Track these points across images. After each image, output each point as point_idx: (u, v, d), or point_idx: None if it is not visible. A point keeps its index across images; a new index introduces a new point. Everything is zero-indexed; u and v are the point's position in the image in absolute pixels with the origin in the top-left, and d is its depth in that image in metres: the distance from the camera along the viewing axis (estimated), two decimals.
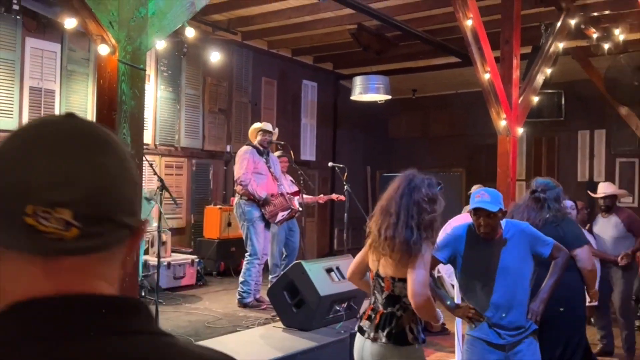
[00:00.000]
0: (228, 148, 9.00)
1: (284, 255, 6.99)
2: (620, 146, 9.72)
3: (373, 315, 2.61)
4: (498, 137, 5.70)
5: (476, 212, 3.03)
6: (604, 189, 5.71)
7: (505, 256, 3.01)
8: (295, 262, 4.51)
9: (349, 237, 6.89)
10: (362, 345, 2.62)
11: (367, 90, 8.23)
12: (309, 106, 10.75)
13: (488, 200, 3.02)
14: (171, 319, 5.31)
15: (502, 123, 5.39)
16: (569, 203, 4.36)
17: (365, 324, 2.63)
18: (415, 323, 2.56)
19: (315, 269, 4.41)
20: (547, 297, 3.14)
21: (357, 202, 6.41)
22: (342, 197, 6.92)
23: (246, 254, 5.94)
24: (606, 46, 7.72)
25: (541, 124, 10.10)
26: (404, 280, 2.49)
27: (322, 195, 7.24)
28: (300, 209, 6.79)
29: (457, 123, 11.43)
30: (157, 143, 7.93)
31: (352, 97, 8.59)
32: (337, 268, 4.65)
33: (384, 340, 2.52)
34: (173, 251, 7.33)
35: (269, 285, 6.99)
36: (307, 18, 8.10)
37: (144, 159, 3.84)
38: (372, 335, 2.56)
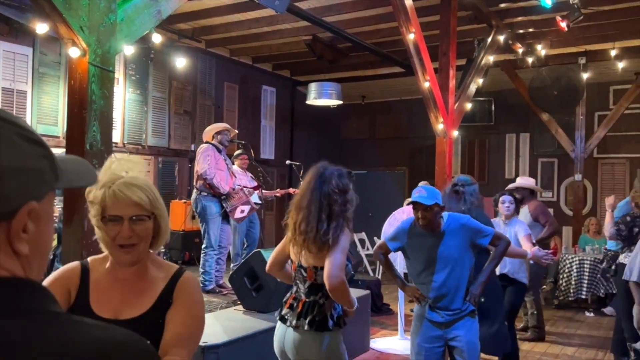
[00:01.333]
0: (192, 147, 8.87)
1: (245, 245, 6.96)
2: (542, 148, 10.08)
3: (295, 304, 2.49)
4: (436, 138, 5.83)
5: (414, 205, 3.12)
6: (518, 181, 5.87)
7: (445, 247, 3.07)
8: (255, 250, 4.49)
9: None
10: (284, 333, 2.49)
11: (321, 96, 8.25)
12: (268, 109, 10.71)
13: (425, 195, 3.08)
14: None
15: (440, 126, 5.52)
16: (507, 198, 4.49)
17: (286, 312, 2.50)
18: (335, 309, 2.47)
19: None
20: (485, 281, 3.22)
21: None
22: (297, 190, 6.93)
23: (202, 246, 5.88)
24: (530, 60, 8.00)
25: (474, 127, 10.38)
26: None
27: (278, 189, 7.23)
28: (261, 202, 6.78)
29: (400, 126, 11.61)
30: (125, 142, 7.75)
31: (308, 102, 8.61)
32: None
33: (306, 327, 2.40)
34: None
35: (230, 274, 7.00)
36: (265, 29, 8.08)
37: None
38: (294, 323, 2.43)
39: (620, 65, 8.03)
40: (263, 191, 6.81)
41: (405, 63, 8.41)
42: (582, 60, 8.27)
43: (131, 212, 1.42)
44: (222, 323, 4.12)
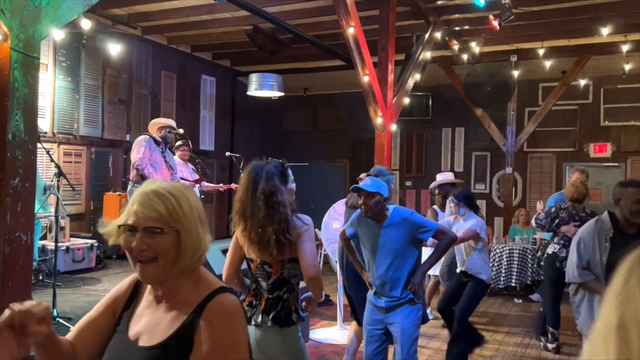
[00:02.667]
0: (128, 137, 8.59)
1: None
2: (476, 142, 10.48)
3: (255, 302, 2.45)
4: (375, 132, 5.93)
5: (358, 192, 3.24)
6: (438, 178, 6.06)
7: (386, 237, 3.21)
8: None
9: None
10: None
11: (262, 87, 8.20)
12: (207, 99, 10.52)
13: (368, 184, 3.25)
14: (69, 300, 5.02)
15: (379, 120, 5.62)
16: (452, 198, 4.65)
17: (247, 310, 2.44)
18: (298, 302, 2.48)
19: (212, 251, 4.35)
20: (425, 271, 3.40)
21: None
22: (237, 195, 6.88)
23: None
24: (465, 56, 8.27)
25: (412, 121, 10.64)
26: (294, 260, 2.38)
27: (221, 185, 7.14)
28: (202, 196, 6.67)
29: (342, 119, 11.72)
30: (55, 131, 7.40)
31: (249, 93, 8.53)
32: None
33: (269, 324, 2.38)
34: (72, 236, 6.91)
35: None
36: (205, 17, 7.90)
37: (40, 146, 3.59)
38: (258, 320, 2.40)
39: (548, 63, 8.46)
40: (204, 184, 6.71)
41: (346, 56, 8.47)
42: (514, 58, 8.63)
43: (145, 223, 1.26)
44: None
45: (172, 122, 6.06)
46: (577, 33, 7.85)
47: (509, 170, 8.87)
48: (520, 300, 7.26)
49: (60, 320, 4.09)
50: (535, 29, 7.88)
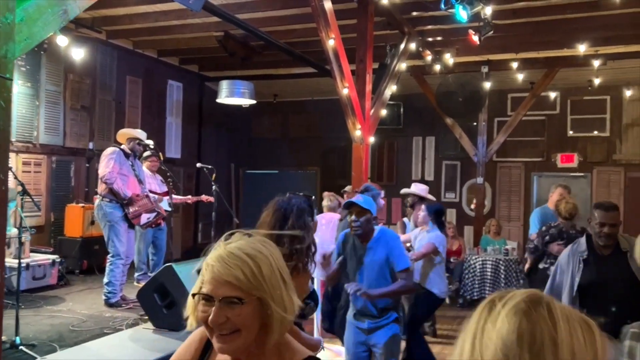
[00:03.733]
0: (91, 145, 8.27)
1: (151, 255, 6.60)
2: (446, 151, 10.57)
3: None
4: (353, 144, 5.87)
5: (350, 207, 3.18)
6: (412, 188, 6.09)
7: (369, 257, 3.23)
8: (165, 265, 4.24)
9: (216, 233, 6.70)
10: None
11: (233, 94, 8.03)
12: (174, 105, 10.26)
13: (361, 200, 3.24)
14: (32, 323, 4.72)
15: (357, 133, 5.56)
16: (424, 208, 4.68)
17: None
18: None
19: (185, 271, 4.19)
20: (379, 295, 3.22)
21: (226, 203, 6.24)
22: (210, 198, 6.70)
23: (108, 255, 5.50)
24: (438, 67, 8.32)
25: (384, 130, 10.61)
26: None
27: (190, 196, 6.93)
28: (170, 209, 6.46)
29: (313, 126, 11.63)
30: (13, 139, 7.03)
31: (219, 100, 8.34)
32: None
33: None
34: (32, 251, 6.56)
35: (134, 283, 6.60)
36: (174, 22, 7.70)
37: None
38: None
39: (520, 76, 8.62)
40: (173, 197, 6.51)
41: (319, 64, 8.40)
42: (485, 69, 8.74)
43: (222, 292, 1.11)
44: (131, 344, 3.85)
45: (141, 134, 5.84)
46: (547, 45, 8.00)
47: (480, 180, 8.96)
48: None
49: (23, 349, 3.84)
50: (506, 41, 8.00)
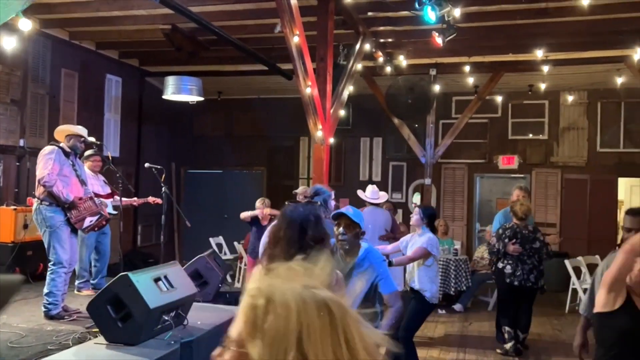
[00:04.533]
0: (22, 142, 7.63)
1: (94, 261, 6.16)
2: (393, 152, 10.65)
3: None
4: (314, 145, 5.73)
5: (338, 218, 3.00)
6: (370, 194, 6.13)
7: (353, 278, 3.00)
8: (121, 274, 3.90)
9: (165, 235, 6.36)
10: None
11: (179, 91, 7.66)
12: (112, 101, 9.69)
13: (351, 213, 3.06)
14: None
15: (319, 133, 5.41)
16: (416, 210, 4.66)
17: None
18: None
19: (143, 280, 3.88)
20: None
21: (177, 205, 5.91)
22: (158, 200, 6.33)
23: (49, 263, 5.03)
24: (388, 68, 8.34)
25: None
26: None
27: (136, 198, 6.51)
28: (115, 212, 6.04)
29: (259, 125, 11.37)
30: None
31: (165, 97, 7.93)
32: (165, 277, 4.16)
33: None
34: None
35: (74, 291, 6.11)
36: (116, 13, 7.23)
37: None
38: None
39: (471, 80, 8.80)
40: (117, 199, 6.08)
41: (270, 62, 8.19)
42: (433, 72, 8.85)
43: None
44: None
45: (82, 131, 5.38)
46: (494, 50, 8.20)
47: (427, 181, 9.08)
48: (444, 311, 7.41)
49: None
50: (455, 45, 8.10)
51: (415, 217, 4.79)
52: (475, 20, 7.00)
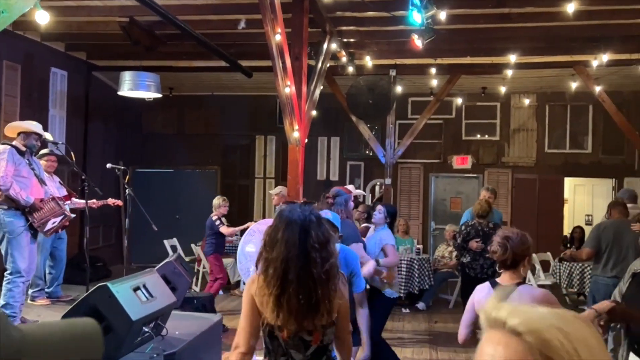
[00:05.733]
0: None
1: (49, 268, 5.76)
2: (350, 152, 10.68)
3: None
4: (289, 146, 5.61)
5: None
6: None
7: None
8: (99, 285, 3.63)
9: (127, 240, 6.04)
10: None
11: (137, 87, 7.30)
12: (58, 96, 9.11)
13: (330, 217, 3.00)
14: None
15: (295, 134, 5.30)
16: (378, 208, 4.63)
17: None
18: None
19: (123, 291, 3.62)
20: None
21: (142, 207, 5.62)
22: (118, 202, 6.02)
23: (6, 272, 4.66)
24: (351, 68, 8.33)
25: None
26: (332, 323, 2.04)
27: (95, 200, 6.14)
28: (73, 215, 5.67)
29: (212, 123, 11.08)
30: None
31: (120, 93, 7.53)
32: (144, 286, 3.91)
33: None
34: None
35: (28, 300, 5.69)
36: (68, 3, 6.79)
37: None
38: None
39: (429, 81, 8.94)
40: (74, 200, 5.72)
41: (231, 58, 7.97)
42: (393, 73, 8.93)
43: None
44: None
45: (37, 127, 5.02)
46: (454, 53, 8.37)
47: (388, 181, 9.16)
48: (408, 310, 7.50)
49: None
50: (411, 46, 8.22)
51: (379, 216, 4.78)
52: (438, 23, 7.10)
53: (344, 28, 7.46)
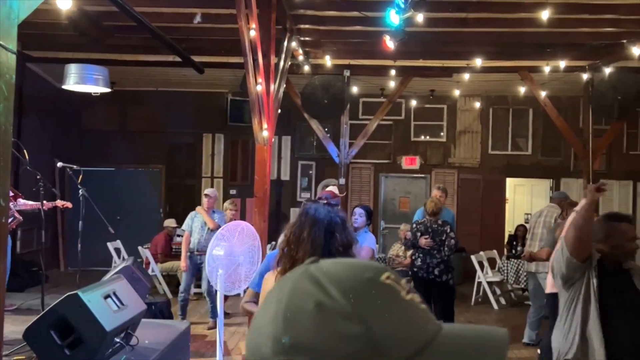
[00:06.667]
0: None
1: None
2: (302, 151, 10.62)
3: None
4: (256, 145, 5.45)
5: None
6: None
7: None
8: (68, 294, 3.36)
9: (80, 246, 5.68)
10: None
11: (84, 81, 6.85)
12: None
13: None
14: None
15: (265, 133, 5.17)
16: (357, 210, 4.58)
17: None
18: None
19: (94, 300, 3.37)
20: None
21: (97, 209, 5.29)
22: (68, 204, 5.65)
23: None
24: (307, 67, 8.28)
25: (240, 127, 10.26)
26: None
27: (45, 202, 5.71)
28: (21, 217, 5.26)
29: (157, 120, 10.66)
30: None
31: (65, 87, 7.05)
32: (114, 293, 3.67)
33: None
34: None
35: None
36: None
37: None
38: None
39: (388, 83, 9.04)
40: (20, 202, 5.31)
41: (184, 53, 7.69)
42: (347, 73, 8.96)
43: None
44: None
45: None
46: (407, 55, 8.50)
47: (342, 181, 9.18)
48: None
49: None
50: (370, 47, 8.28)
51: (361, 220, 4.80)
52: (412, 25, 7.19)
53: (303, 26, 7.39)
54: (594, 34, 7.20)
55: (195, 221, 6.82)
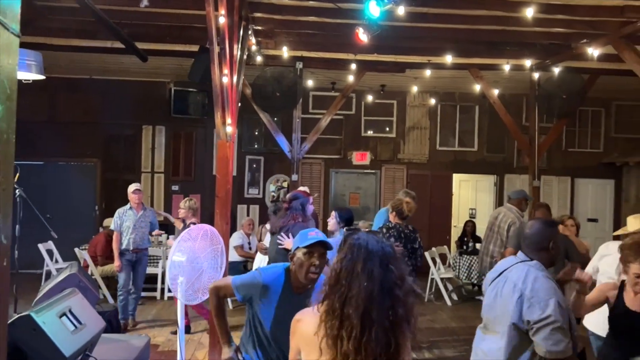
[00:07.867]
0: None
1: None
2: (249, 145, 10.25)
3: None
4: (218, 141, 5.07)
5: (314, 248, 2.52)
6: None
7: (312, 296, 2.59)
8: (20, 315, 2.90)
9: (15, 251, 5.07)
10: None
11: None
12: None
13: (324, 237, 2.56)
14: None
15: (228, 129, 4.81)
16: (334, 213, 4.43)
17: None
18: None
19: (50, 320, 2.94)
20: None
21: (35, 209, 4.74)
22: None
23: None
24: (259, 58, 7.93)
25: (183, 120, 9.76)
26: None
27: None
28: None
29: (91, 110, 9.91)
30: None
31: None
32: (70, 311, 3.24)
33: None
34: None
35: None
36: None
37: None
38: None
39: (341, 77, 8.84)
40: None
41: (128, 39, 7.10)
42: (300, 65, 8.69)
43: None
44: None
45: None
46: (360, 49, 8.35)
47: (295, 177, 8.92)
48: None
49: None
50: (324, 39, 8.08)
51: (332, 222, 4.64)
52: (392, 19, 7.01)
53: (257, 15, 7.04)
54: (546, 34, 7.35)
55: (126, 220, 6.50)
